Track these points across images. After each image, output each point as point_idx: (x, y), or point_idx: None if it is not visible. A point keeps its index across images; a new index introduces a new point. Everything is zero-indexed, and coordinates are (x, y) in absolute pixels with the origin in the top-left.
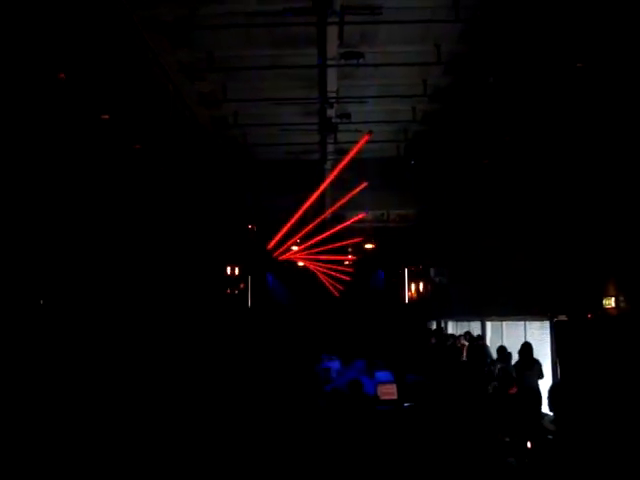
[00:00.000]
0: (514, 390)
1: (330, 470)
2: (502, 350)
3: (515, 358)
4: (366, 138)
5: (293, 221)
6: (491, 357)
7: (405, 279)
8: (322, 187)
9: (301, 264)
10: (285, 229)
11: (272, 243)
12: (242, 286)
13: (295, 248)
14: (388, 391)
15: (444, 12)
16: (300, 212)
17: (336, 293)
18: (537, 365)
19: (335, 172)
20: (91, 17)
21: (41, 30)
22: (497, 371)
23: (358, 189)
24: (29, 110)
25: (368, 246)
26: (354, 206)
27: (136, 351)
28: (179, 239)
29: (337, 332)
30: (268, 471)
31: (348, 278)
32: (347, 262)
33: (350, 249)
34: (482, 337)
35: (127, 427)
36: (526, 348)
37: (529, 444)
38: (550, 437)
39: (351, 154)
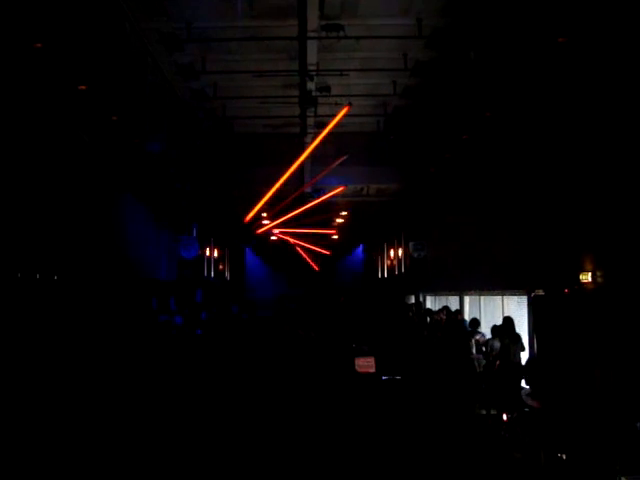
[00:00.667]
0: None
1: None
2: (475, 322)
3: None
4: (346, 109)
5: (271, 193)
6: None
7: (384, 253)
8: (301, 159)
9: (274, 238)
10: (263, 201)
11: (250, 216)
12: (221, 268)
13: (266, 222)
14: (367, 364)
15: None
16: (278, 185)
17: (316, 267)
18: (520, 339)
19: (314, 144)
20: None
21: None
22: (480, 345)
23: (337, 162)
24: (4, 80)
25: (345, 220)
26: (334, 180)
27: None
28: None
29: (316, 307)
30: None
31: (328, 252)
32: (332, 235)
33: (333, 222)
34: (460, 312)
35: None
36: (509, 322)
37: (505, 417)
38: (526, 410)
39: (330, 126)
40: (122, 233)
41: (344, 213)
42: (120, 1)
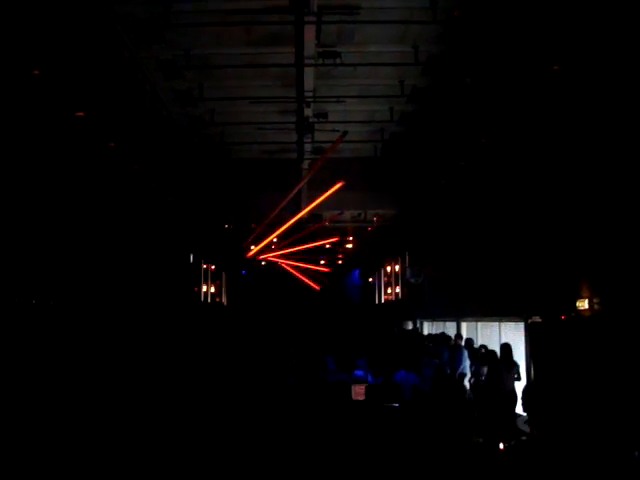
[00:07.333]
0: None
1: None
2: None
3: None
4: (340, 139)
5: (268, 220)
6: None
7: (382, 279)
8: (298, 186)
9: (263, 263)
10: (260, 228)
11: (247, 242)
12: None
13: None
14: (360, 392)
15: (422, 13)
16: (276, 211)
17: (316, 287)
18: (516, 367)
19: (312, 172)
20: (67, 13)
21: (17, 26)
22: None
23: (334, 188)
24: (3, 106)
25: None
26: (331, 206)
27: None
28: (153, 238)
29: (313, 331)
30: None
31: (325, 279)
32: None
33: (325, 254)
34: (460, 336)
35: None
36: (506, 349)
37: (501, 445)
38: (524, 438)
39: (327, 154)
40: None
41: (337, 238)
42: (119, 29)
